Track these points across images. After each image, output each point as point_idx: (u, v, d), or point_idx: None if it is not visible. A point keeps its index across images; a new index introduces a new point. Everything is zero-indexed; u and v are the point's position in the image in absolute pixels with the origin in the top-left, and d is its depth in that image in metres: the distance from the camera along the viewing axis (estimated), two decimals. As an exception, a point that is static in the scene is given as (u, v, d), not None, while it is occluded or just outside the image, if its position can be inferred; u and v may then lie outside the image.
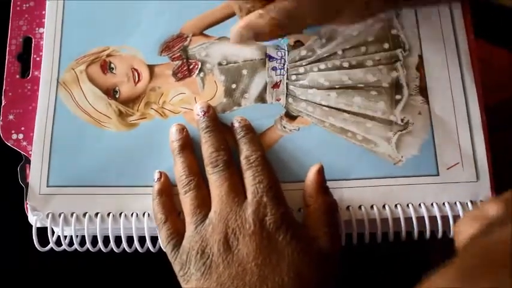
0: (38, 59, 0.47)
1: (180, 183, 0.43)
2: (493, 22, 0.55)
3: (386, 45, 0.48)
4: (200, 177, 0.43)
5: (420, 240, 0.44)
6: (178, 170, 0.43)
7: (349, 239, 0.44)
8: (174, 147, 0.44)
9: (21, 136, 0.45)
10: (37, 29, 0.48)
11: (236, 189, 0.41)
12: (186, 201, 0.42)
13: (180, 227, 0.42)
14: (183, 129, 0.45)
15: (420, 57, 0.47)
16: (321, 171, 0.42)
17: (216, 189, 0.41)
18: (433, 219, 0.43)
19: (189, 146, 0.44)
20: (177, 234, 0.41)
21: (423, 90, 0.46)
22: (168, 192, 0.43)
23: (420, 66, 0.47)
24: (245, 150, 0.43)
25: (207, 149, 0.43)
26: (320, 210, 0.41)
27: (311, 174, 0.42)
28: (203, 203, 0.41)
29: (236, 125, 0.45)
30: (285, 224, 0.40)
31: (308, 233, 0.41)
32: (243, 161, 0.42)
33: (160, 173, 0.44)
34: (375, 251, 0.46)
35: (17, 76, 0.47)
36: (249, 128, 0.45)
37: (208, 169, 0.42)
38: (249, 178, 0.41)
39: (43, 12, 0.48)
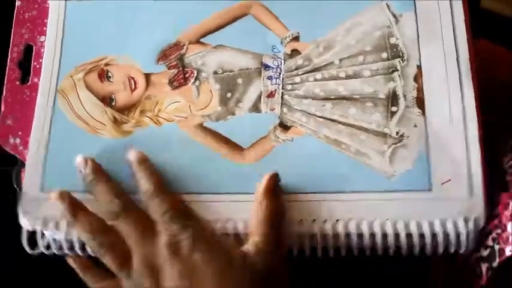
0: (38, 66, 0.48)
1: (95, 242, 0.42)
2: (491, 31, 0.53)
3: (384, 55, 0.46)
4: (113, 233, 0.42)
5: (415, 256, 0.43)
6: (92, 224, 0.42)
7: (337, 255, 0.43)
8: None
9: (18, 141, 0.46)
10: (38, 37, 0.49)
11: (146, 228, 0.41)
12: (107, 260, 0.42)
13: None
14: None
15: (419, 67, 0.46)
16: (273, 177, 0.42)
17: (128, 239, 0.41)
18: (423, 236, 0.41)
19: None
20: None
21: (420, 102, 0.45)
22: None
23: (418, 77, 0.45)
24: (142, 186, 0.42)
25: (101, 205, 0.42)
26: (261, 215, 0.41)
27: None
28: (124, 259, 0.41)
29: (131, 159, 0.43)
30: (200, 242, 0.40)
31: (235, 243, 0.41)
32: (143, 197, 0.42)
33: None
34: (368, 271, 0.44)
35: (17, 82, 0.48)
36: (141, 161, 0.43)
37: (113, 222, 0.42)
38: (153, 212, 0.41)
39: (45, 21, 0.49)
